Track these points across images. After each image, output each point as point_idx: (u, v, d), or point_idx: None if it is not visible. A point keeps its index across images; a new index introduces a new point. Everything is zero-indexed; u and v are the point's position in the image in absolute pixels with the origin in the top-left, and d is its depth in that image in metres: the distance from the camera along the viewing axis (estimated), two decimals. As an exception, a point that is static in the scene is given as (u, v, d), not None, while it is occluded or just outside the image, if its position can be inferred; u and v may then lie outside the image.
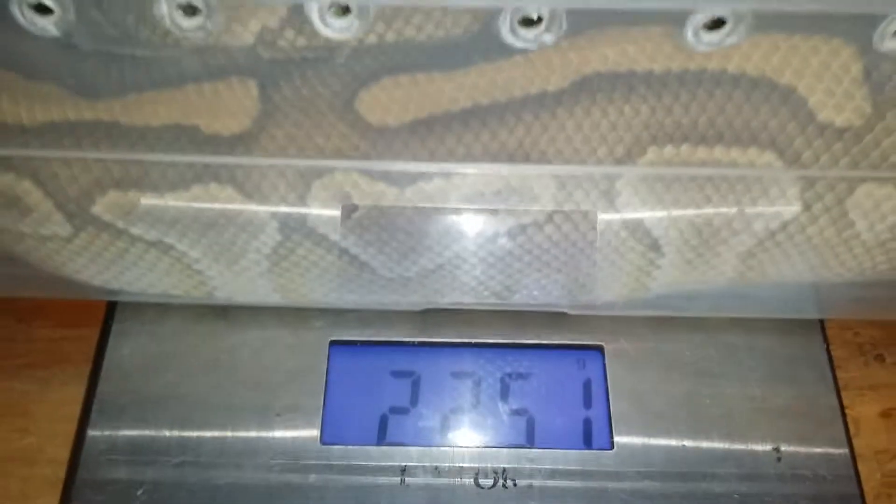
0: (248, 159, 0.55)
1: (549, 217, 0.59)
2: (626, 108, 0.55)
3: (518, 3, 0.45)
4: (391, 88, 0.57)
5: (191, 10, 0.47)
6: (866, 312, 0.71)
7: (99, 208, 0.59)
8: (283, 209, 0.59)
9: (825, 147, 0.55)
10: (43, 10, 0.45)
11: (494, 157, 0.56)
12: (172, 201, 0.59)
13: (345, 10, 0.50)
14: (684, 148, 0.56)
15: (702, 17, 0.47)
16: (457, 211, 0.60)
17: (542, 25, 0.48)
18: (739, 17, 0.47)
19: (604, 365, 0.70)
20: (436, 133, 0.56)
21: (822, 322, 0.72)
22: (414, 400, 0.69)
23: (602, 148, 0.56)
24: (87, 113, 0.57)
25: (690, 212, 0.59)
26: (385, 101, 0.56)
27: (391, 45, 0.55)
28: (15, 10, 0.44)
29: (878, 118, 0.54)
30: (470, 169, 0.56)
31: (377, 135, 0.56)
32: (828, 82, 0.53)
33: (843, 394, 0.70)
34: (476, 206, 0.60)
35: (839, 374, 0.71)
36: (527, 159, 0.56)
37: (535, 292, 0.65)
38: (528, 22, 0.48)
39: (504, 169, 0.56)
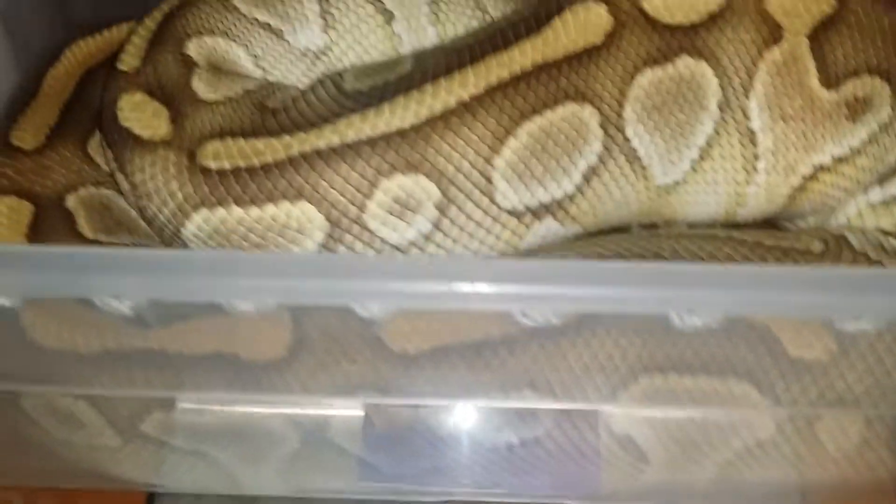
0: (279, 396, 0.62)
1: (549, 432, 0.66)
2: (621, 341, 0.62)
3: (525, 306, 0.52)
4: (413, 318, 0.63)
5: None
6: (846, 501, 0.77)
7: (146, 426, 0.66)
8: (307, 424, 0.66)
9: (796, 379, 0.61)
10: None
11: (502, 384, 0.63)
12: (212, 419, 0.65)
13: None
14: (671, 376, 0.62)
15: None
16: (461, 422, 0.67)
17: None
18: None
19: (606, 553, 0.76)
20: (450, 360, 0.63)
21: (805, 505, 0.78)
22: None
23: (600, 376, 0.63)
24: (137, 341, 0.63)
25: (674, 429, 0.65)
26: (407, 331, 0.63)
27: None
28: (96, 301, 0.51)
29: (842, 355, 0.61)
30: (481, 402, 0.62)
31: (398, 361, 0.63)
32: (798, 323, 0.60)
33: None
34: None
35: (823, 554, 0.76)
36: (532, 386, 0.63)
37: (534, 489, 0.71)
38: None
39: (510, 402, 0.63)
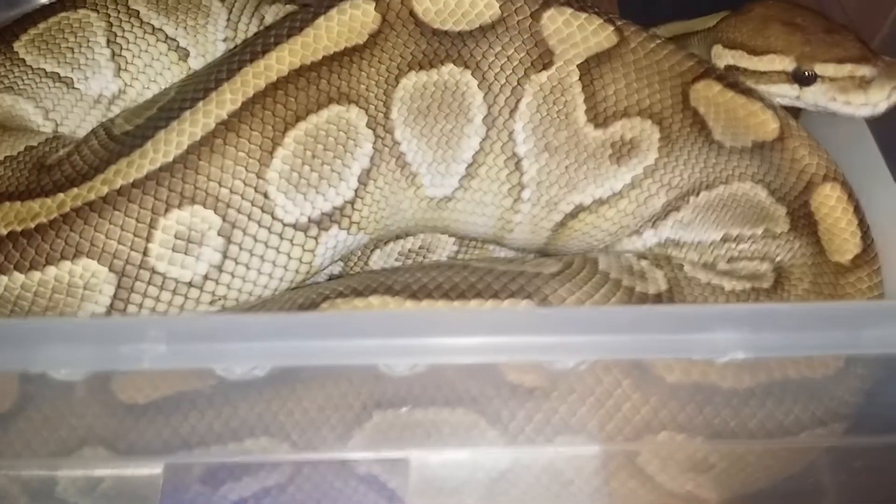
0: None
1: (293, 479, 0.64)
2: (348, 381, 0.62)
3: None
4: None
5: None
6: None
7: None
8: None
9: (520, 406, 0.60)
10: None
11: (235, 432, 0.62)
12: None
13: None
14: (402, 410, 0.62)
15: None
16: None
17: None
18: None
19: None
20: (182, 409, 0.61)
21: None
22: None
23: (334, 416, 0.62)
24: None
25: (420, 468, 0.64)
26: (137, 379, 0.61)
27: None
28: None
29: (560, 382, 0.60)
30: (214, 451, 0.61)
31: (127, 412, 0.61)
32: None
33: None
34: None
35: None
36: (269, 434, 0.62)
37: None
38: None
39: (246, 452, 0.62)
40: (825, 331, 0.55)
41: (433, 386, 0.60)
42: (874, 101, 0.73)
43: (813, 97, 0.75)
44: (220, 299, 0.70)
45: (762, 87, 0.76)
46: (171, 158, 0.67)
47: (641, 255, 0.71)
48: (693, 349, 0.56)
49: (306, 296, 0.66)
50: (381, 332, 0.54)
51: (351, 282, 0.66)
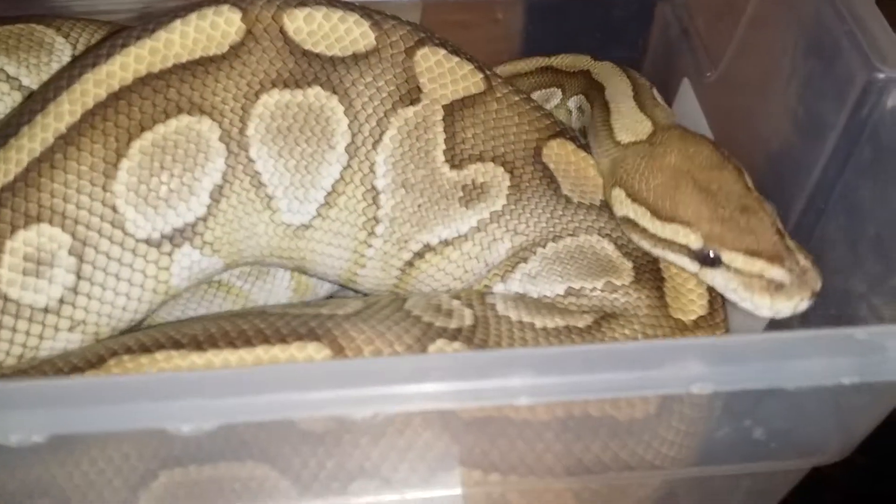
0: None
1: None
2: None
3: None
4: None
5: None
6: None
7: None
8: None
9: (311, 454, 0.59)
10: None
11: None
12: None
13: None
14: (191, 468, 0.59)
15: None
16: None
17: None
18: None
19: None
20: None
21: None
22: None
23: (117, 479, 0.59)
24: None
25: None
26: None
27: None
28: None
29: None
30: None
31: None
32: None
33: None
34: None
35: None
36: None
37: None
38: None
39: None
40: (610, 373, 0.51)
41: (221, 440, 0.57)
42: (777, 309, 0.64)
43: (712, 279, 0.67)
44: (79, 324, 0.67)
45: (658, 251, 0.68)
46: (11, 177, 0.64)
47: (455, 296, 0.69)
48: (484, 396, 0.52)
49: (94, 351, 0.63)
50: (161, 395, 0.51)
51: (140, 336, 0.64)
